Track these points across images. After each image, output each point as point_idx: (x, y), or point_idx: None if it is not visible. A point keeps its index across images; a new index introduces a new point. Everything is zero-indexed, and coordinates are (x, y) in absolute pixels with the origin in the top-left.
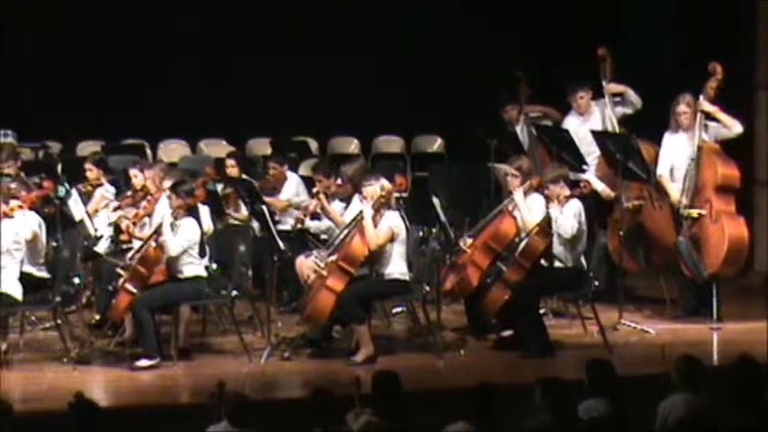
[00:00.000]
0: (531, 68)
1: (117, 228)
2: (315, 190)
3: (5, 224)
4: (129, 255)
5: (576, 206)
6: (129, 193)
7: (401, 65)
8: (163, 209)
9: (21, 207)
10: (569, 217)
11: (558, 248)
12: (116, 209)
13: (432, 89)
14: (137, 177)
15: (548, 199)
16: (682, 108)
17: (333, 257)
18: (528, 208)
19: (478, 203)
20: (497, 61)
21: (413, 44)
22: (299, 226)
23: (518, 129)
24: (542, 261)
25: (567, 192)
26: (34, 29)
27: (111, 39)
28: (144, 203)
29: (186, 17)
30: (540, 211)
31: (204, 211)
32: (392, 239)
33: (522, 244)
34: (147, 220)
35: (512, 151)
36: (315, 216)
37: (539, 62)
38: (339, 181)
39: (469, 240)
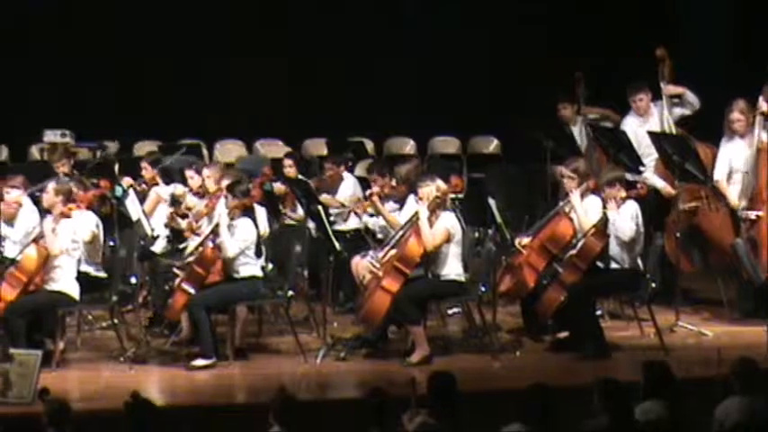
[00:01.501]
0: (590, 69)
1: (174, 229)
2: (368, 192)
3: (63, 224)
4: (186, 253)
5: (633, 208)
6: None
7: (458, 65)
8: (221, 209)
9: (78, 207)
10: (627, 219)
11: (614, 250)
12: (173, 214)
13: (488, 90)
14: (193, 179)
15: (604, 201)
16: (735, 116)
17: (388, 254)
18: (585, 209)
19: (534, 205)
20: (554, 62)
21: (469, 45)
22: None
23: (575, 129)
24: (599, 262)
25: (623, 193)
26: (91, 30)
27: (168, 39)
28: (205, 201)
29: (242, 17)
30: (597, 213)
31: (261, 212)
32: (448, 240)
33: (579, 245)
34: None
35: (568, 152)
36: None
37: (597, 63)
38: (393, 182)
39: (526, 239)
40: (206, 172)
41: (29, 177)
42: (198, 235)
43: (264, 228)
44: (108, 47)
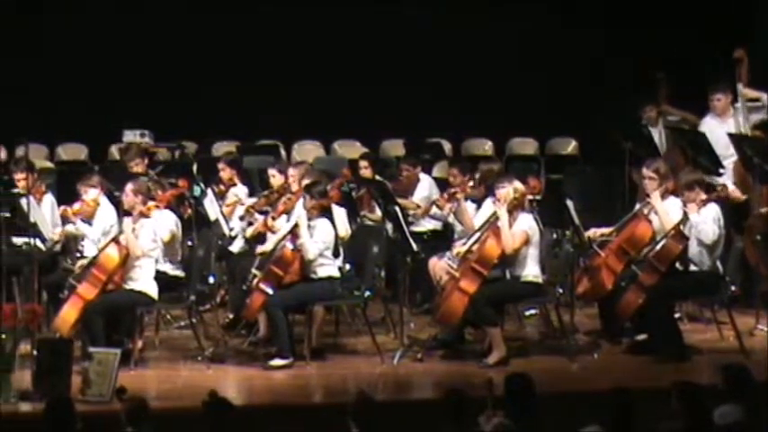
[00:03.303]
0: (667, 70)
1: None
2: (452, 191)
3: (143, 225)
4: (260, 250)
5: (714, 210)
6: (266, 192)
7: (537, 66)
8: (299, 210)
9: (157, 207)
10: (710, 222)
11: (694, 252)
12: (250, 208)
13: (567, 91)
14: (275, 177)
15: (684, 203)
16: None
17: (463, 253)
18: (665, 211)
19: (613, 206)
20: (633, 63)
21: (548, 46)
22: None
23: (656, 131)
24: (678, 265)
25: (703, 196)
26: (170, 31)
27: (247, 41)
28: (285, 199)
29: (321, 19)
30: (678, 215)
31: (341, 213)
32: (526, 242)
33: (658, 247)
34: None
35: (646, 154)
36: None
37: (674, 64)
38: (471, 183)
39: (601, 230)
40: (291, 171)
41: (105, 177)
42: (273, 232)
43: (345, 229)
44: (187, 47)
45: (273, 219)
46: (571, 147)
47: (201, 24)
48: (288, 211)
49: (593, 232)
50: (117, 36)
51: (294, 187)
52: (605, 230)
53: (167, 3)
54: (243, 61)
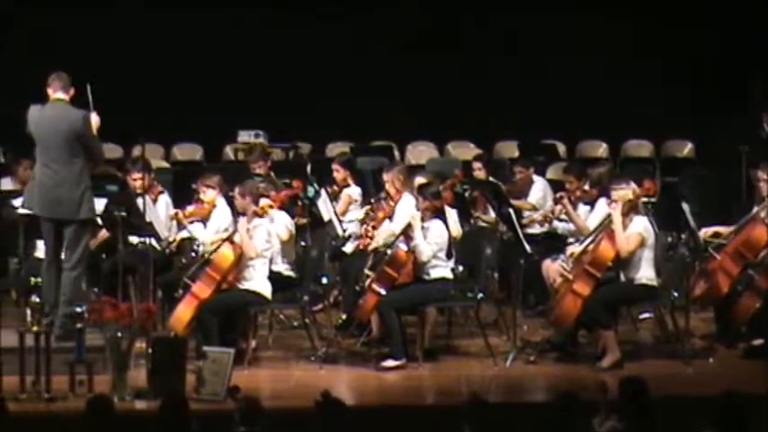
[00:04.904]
0: None
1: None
2: (559, 195)
3: (258, 226)
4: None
5: None
6: (383, 195)
7: (654, 68)
8: (404, 211)
9: (271, 206)
10: None
11: None
12: (370, 211)
13: (683, 93)
14: None
15: None
16: None
17: (577, 250)
18: None
19: (729, 209)
20: (752, 65)
21: (665, 47)
22: (545, 226)
23: None
24: None
25: None
26: (286, 34)
27: (361, 44)
28: (384, 204)
29: (435, 23)
30: None
31: (452, 214)
32: (641, 245)
33: None
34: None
35: (763, 157)
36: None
37: None
38: (586, 186)
39: (714, 229)
40: (385, 176)
41: (225, 178)
42: (371, 238)
43: (457, 229)
44: (302, 49)
45: (374, 228)
46: (687, 149)
47: (316, 28)
48: (389, 217)
49: (705, 231)
50: (231, 37)
51: (392, 192)
52: (718, 229)
53: (281, 6)
54: (357, 63)
